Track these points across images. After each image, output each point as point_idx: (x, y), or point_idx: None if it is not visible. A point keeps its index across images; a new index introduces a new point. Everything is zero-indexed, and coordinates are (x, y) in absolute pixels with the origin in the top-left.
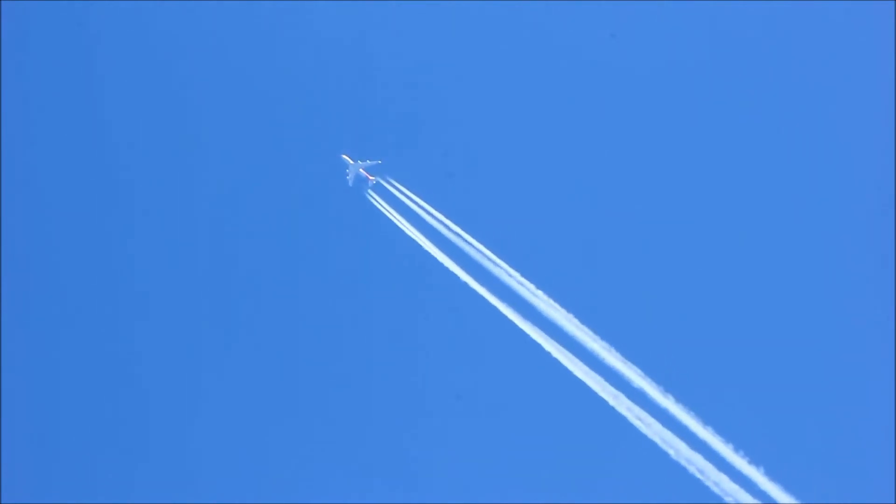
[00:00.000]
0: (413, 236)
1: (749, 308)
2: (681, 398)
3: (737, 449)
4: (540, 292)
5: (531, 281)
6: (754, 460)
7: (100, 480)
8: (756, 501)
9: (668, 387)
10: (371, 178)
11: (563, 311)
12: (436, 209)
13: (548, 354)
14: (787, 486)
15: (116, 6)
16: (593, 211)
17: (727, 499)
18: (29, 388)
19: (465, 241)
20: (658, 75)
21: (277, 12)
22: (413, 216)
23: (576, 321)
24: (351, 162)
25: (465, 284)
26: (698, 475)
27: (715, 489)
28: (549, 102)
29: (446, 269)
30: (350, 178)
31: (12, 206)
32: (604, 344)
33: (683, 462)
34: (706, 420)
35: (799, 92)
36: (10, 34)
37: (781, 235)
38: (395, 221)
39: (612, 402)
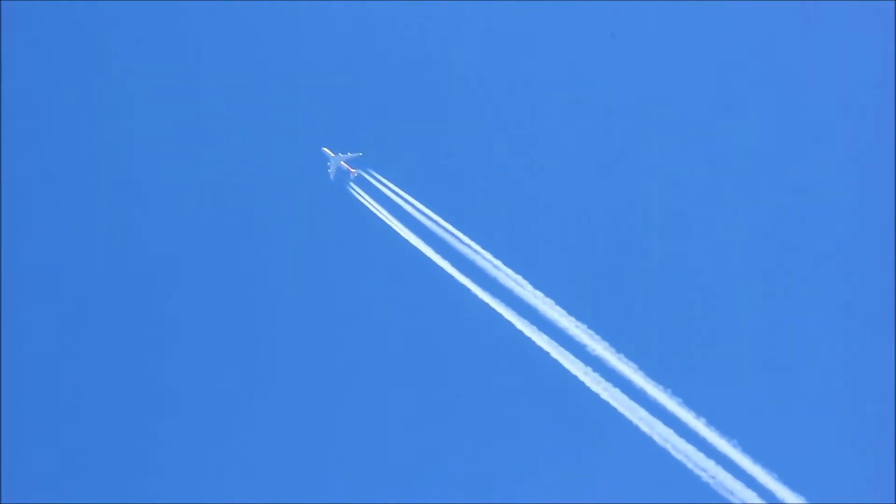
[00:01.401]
0: (397, 229)
1: (749, 308)
2: (681, 397)
3: (737, 449)
4: (527, 284)
5: (518, 272)
6: (755, 460)
7: (99, 480)
8: (756, 502)
9: (668, 386)
10: (353, 170)
11: (550, 302)
12: (419, 201)
13: (537, 347)
14: (787, 487)
15: (116, 6)
16: (588, 207)
17: (730, 497)
18: (29, 388)
19: (450, 232)
20: (658, 75)
21: (256, 5)
22: (396, 209)
23: (562, 311)
24: (332, 155)
25: (451, 277)
26: (700, 472)
27: (718, 489)
28: (548, 102)
29: (431, 262)
30: (331, 171)
31: (12, 205)
32: (592, 334)
33: (683, 458)
34: (707, 421)
35: (799, 92)
36: (10, 34)
37: (782, 236)
38: (378, 214)
39: (609, 399)
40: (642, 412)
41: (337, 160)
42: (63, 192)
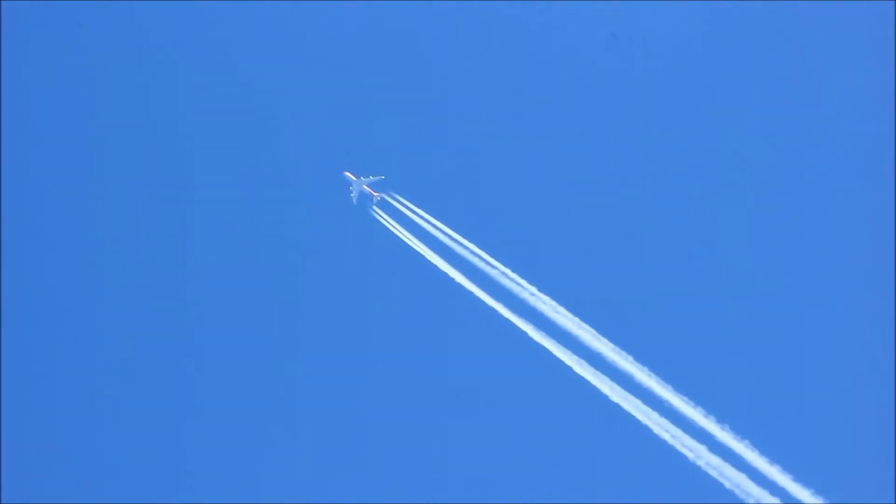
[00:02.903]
0: (422, 252)
1: (750, 308)
2: (682, 395)
3: (741, 446)
4: (550, 300)
5: (542, 290)
6: (755, 461)
7: (100, 480)
8: (761, 501)
9: (669, 383)
10: (375, 194)
11: (574, 318)
12: (443, 223)
13: (556, 361)
14: (788, 487)
15: (116, 6)
16: (599, 215)
17: (736, 491)
18: (29, 388)
19: (474, 252)
20: (658, 75)
21: (278, 25)
22: (420, 231)
23: (590, 329)
24: (354, 179)
25: (475, 295)
26: (706, 468)
27: (726, 483)
28: (549, 103)
29: (456, 282)
30: (354, 195)
31: (12, 206)
32: (613, 346)
33: (686, 451)
34: (705, 420)
35: (799, 92)
36: (10, 34)
37: (781, 235)
38: (403, 238)
39: (615, 397)
40: (646, 408)
41: (359, 184)
42: (65, 197)
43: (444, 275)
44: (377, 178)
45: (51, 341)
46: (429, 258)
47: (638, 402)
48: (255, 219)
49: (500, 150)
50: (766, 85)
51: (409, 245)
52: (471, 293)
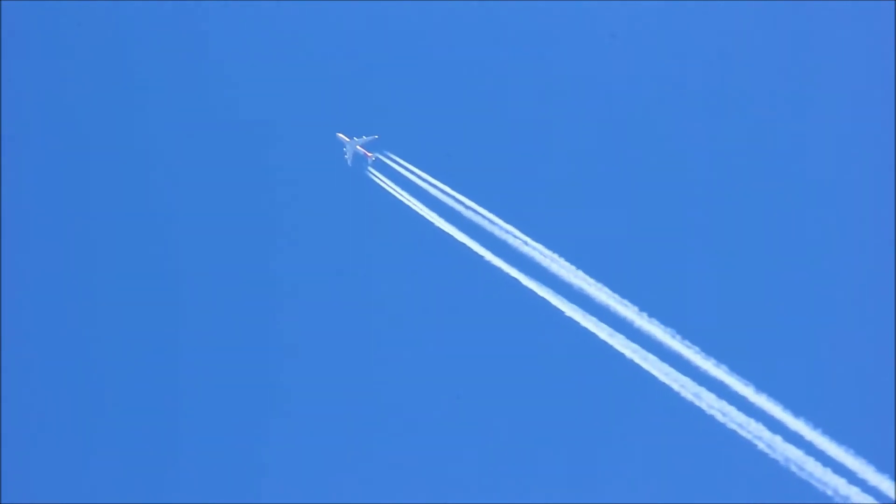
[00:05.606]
0: (420, 211)
1: (749, 302)
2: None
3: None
4: (554, 254)
5: (546, 245)
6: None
7: (99, 480)
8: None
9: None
10: (370, 154)
11: (573, 268)
12: (439, 181)
13: (553, 309)
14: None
15: (116, 6)
16: (592, 196)
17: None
18: (29, 387)
19: (471, 208)
20: (658, 75)
21: None
22: (418, 190)
23: (588, 277)
24: (347, 140)
25: (479, 255)
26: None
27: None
28: (549, 102)
29: (458, 242)
30: (348, 157)
31: (12, 206)
32: (611, 293)
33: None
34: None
35: (799, 92)
36: (10, 34)
37: (781, 235)
38: (400, 198)
39: (607, 339)
40: (647, 353)
41: (353, 145)
42: (65, 195)
43: (443, 233)
44: (371, 138)
45: (51, 341)
46: (427, 217)
47: (655, 359)
48: (249, 185)
49: (496, 145)
50: (766, 85)
51: (406, 205)
52: (471, 250)
